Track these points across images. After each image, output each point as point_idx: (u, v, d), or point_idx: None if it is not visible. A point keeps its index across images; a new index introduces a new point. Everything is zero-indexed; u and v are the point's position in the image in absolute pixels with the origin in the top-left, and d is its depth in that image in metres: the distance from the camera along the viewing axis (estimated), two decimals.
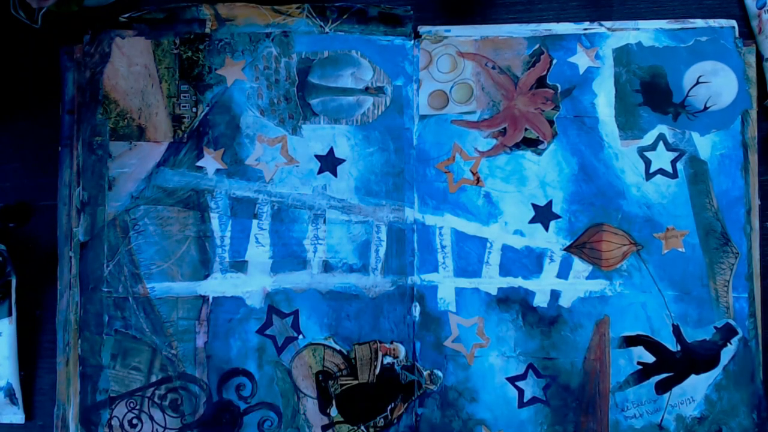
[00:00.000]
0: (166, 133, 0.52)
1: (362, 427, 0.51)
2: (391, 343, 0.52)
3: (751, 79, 0.52)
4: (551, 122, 0.53)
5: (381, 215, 0.52)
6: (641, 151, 0.52)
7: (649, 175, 0.52)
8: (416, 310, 0.52)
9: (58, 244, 0.53)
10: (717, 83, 0.52)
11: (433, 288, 0.52)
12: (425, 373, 0.52)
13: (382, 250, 0.52)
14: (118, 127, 0.52)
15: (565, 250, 0.52)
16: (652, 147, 0.52)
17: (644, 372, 0.52)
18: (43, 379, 0.54)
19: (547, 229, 0.52)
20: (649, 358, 0.52)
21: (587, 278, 0.52)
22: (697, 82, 0.52)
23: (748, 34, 0.53)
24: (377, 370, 0.52)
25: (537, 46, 0.53)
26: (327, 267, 0.52)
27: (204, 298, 0.52)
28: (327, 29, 0.53)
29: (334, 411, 0.52)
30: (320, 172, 0.53)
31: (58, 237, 0.53)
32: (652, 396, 0.52)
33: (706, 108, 0.52)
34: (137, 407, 0.51)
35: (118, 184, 0.52)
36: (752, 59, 0.52)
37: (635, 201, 0.52)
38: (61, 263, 0.53)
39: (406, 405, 0.51)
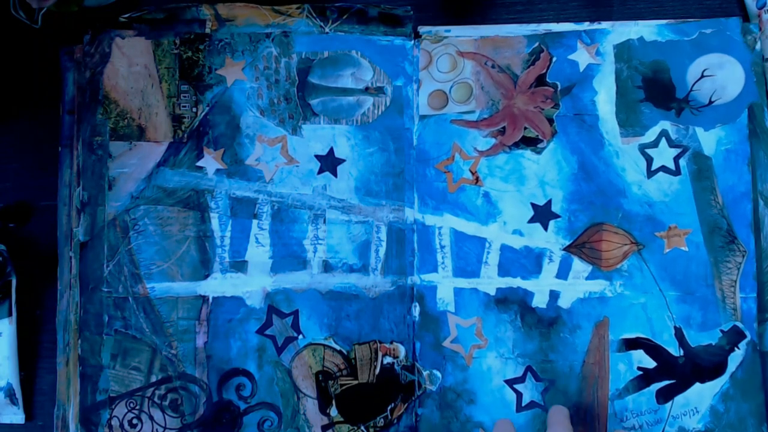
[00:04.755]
0: (166, 133, 0.52)
1: (362, 427, 0.51)
2: (391, 343, 0.52)
3: (758, 72, 0.50)
4: (551, 120, 0.52)
5: (381, 215, 0.52)
6: (642, 148, 0.51)
7: (650, 173, 0.51)
8: (416, 310, 0.52)
9: (58, 244, 0.53)
10: (722, 76, 0.50)
11: (432, 288, 0.52)
12: (425, 373, 0.52)
13: (382, 250, 0.52)
14: (118, 127, 0.52)
15: (564, 249, 0.51)
16: (654, 144, 0.51)
17: (644, 378, 0.50)
18: (43, 379, 0.54)
19: (546, 228, 0.51)
20: (650, 363, 0.50)
21: (587, 278, 0.51)
22: (702, 76, 0.51)
23: None
24: (377, 370, 0.52)
25: (537, 44, 0.52)
26: (327, 267, 0.52)
27: (204, 298, 0.52)
28: (327, 29, 0.53)
29: (334, 411, 0.52)
30: (320, 172, 0.53)
31: (58, 237, 0.53)
32: (652, 405, 0.49)
33: (711, 102, 0.50)
34: (137, 407, 0.51)
35: (118, 184, 0.52)
36: (758, 50, 0.51)
37: (636, 199, 0.51)
38: (61, 263, 0.53)
39: (406, 405, 0.51)
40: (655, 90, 0.51)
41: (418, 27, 0.53)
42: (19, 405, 0.52)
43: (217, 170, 0.52)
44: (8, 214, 0.53)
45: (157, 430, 0.51)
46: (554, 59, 0.52)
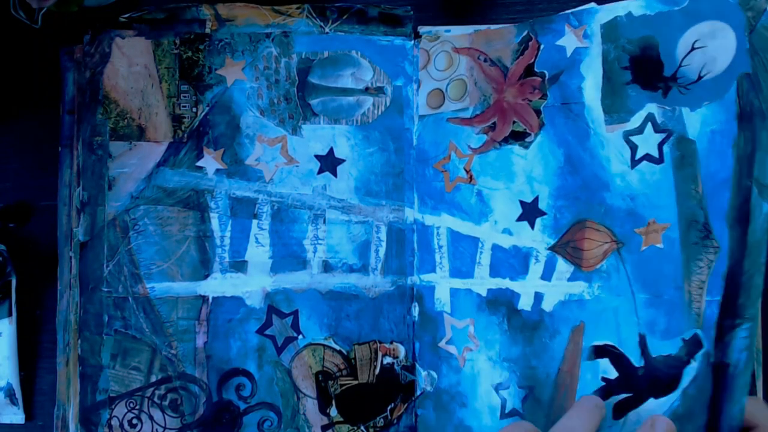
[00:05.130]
0: (166, 133, 0.52)
1: (362, 427, 0.51)
2: (391, 343, 0.52)
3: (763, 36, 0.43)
4: (538, 112, 0.49)
5: (381, 215, 0.52)
6: (627, 136, 0.46)
7: (634, 162, 0.46)
8: (416, 311, 0.52)
9: (58, 244, 0.53)
10: (713, 46, 0.44)
11: (431, 288, 0.52)
12: (423, 374, 0.51)
13: (382, 250, 0.52)
14: (118, 127, 0.52)
15: (549, 249, 0.48)
16: (639, 130, 0.46)
17: (606, 390, 0.45)
18: (43, 379, 0.54)
19: (533, 227, 0.49)
20: (614, 374, 0.45)
21: (569, 280, 0.48)
22: (692, 48, 0.45)
23: None
24: (377, 370, 0.52)
25: (526, 32, 0.50)
26: (327, 267, 0.52)
27: (204, 298, 0.52)
28: (327, 29, 0.53)
29: (333, 411, 0.52)
30: (320, 172, 0.53)
31: (58, 237, 0.53)
32: (607, 421, 0.44)
33: (700, 77, 0.44)
34: (137, 407, 0.51)
35: (118, 184, 0.52)
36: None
37: (618, 192, 0.46)
38: (61, 263, 0.53)
39: (405, 405, 0.51)
40: (642, 69, 0.46)
41: (418, 27, 0.53)
42: (19, 405, 0.52)
43: (217, 170, 0.52)
44: (8, 214, 0.54)
45: (157, 430, 0.51)
46: (542, 47, 0.49)
